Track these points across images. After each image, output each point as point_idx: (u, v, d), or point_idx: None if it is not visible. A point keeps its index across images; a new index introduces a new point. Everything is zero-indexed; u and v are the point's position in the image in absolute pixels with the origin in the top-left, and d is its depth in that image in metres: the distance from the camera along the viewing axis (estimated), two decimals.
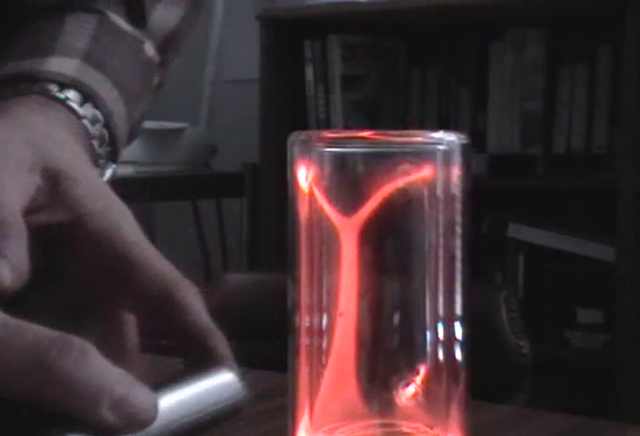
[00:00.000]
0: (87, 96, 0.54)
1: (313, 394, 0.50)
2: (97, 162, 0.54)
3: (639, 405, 1.89)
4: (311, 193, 0.50)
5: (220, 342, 0.43)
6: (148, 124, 2.26)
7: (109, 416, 0.35)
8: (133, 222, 0.46)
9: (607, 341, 2.02)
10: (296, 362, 0.50)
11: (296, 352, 0.50)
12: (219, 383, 0.40)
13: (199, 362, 0.41)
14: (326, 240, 0.50)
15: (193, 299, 0.43)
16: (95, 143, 0.54)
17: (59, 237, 0.45)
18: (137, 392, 0.36)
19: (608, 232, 1.99)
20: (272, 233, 2.22)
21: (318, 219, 0.50)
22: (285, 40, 2.32)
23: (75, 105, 0.53)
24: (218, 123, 2.67)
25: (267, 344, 0.68)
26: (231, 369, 0.41)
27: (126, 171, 2.15)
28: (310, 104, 2.34)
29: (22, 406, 0.36)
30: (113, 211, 0.46)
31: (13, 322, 0.36)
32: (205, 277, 2.29)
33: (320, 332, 0.50)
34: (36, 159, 0.45)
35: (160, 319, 0.43)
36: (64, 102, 0.53)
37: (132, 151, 2.20)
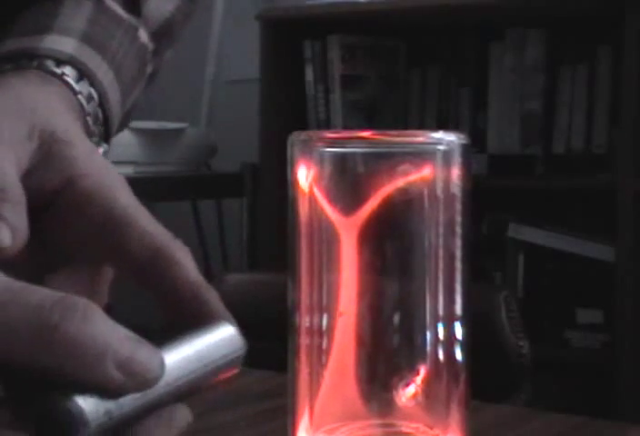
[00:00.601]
0: (83, 74, 0.55)
1: (313, 394, 0.50)
2: (91, 139, 0.55)
3: (639, 405, 1.89)
4: (311, 193, 0.50)
5: (213, 295, 0.43)
6: (148, 124, 2.27)
7: (116, 375, 0.35)
8: (125, 185, 0.47)
9: (607, 341, 2.02)
10: (296, 362, 0.50)
11: (296, 352, 0.50)
12: (221, 337, 0.40)
13: (194, 316, 0.41)
14: (326, 240, 0.50)
15: (183, 256, 0.44)
16: (90, 119, 0.55)
17: (48, 204, 0.46)
18: (143, 351, 0.36)
19: (608, 232, 1.99)
20: (272, 233, 2.22)
21: (318, 219, 0.50)
22: (285, 40, 2.32)
23: (71, 81, 0.54)
24: (218, 123, 2.67)
25: (267, 344, 0.68)
26: (230, 322, 0.41)
27: (126, 171, 2.15)
28: (310, 104, 2.34)
29: (27, 372, 0.35)
30: (106, 173, 0.47)
31: (16, 284, 0.36)
32: (205, 277, 2.29)
33: (320, 332, 0.50)
34: (32, 126, 0.46)
35: (150, 275, 0.43)
36: (60, 77, 0.53)
37: (132, 151, 2.21)
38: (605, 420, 0.71)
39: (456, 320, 0.51)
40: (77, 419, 0.34)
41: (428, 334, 0.50)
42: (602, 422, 0.70)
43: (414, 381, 0.50)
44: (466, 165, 0.51)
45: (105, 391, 0.35)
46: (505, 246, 2.18)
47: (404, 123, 2.35)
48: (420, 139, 0.51)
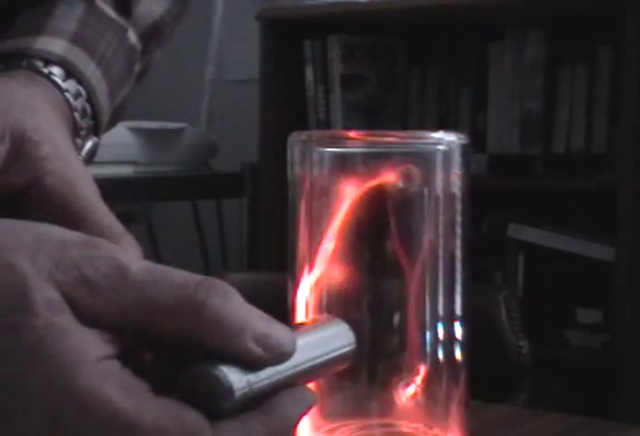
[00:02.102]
0: (71, 73, 0.58)
1: None
2: (79, 133, 0.58)
3: (639, 405, 1.89)
4: (311, 194, 0.50)
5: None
6: (148, 124, 2.27)
7: (255, 348, 0.38)
8: (88, 181, 0.50)
9: (607, 341, 2.02)
10: None
11: None
12: (336, 331, 0.43)
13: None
14: (326, 240, 0.50)
15: (132, 249, 0.47)
16: (77, 115, 0.58)
17: (19, 203, 0.48)
18: (276, 328, 0.39)
19: (608, 232, 1.99)
20: (272, 233, 2.22)
21: (318, 219, 0.50)
22: (284, 40, 2.32)
23: (58, 79, 0.57)
24: (218, 123, 2.67)
25: None
26: (343, 321, 0.44)
27: (126, 171, 2.15)
28: (310, 104, 2.34)
29: (174, 345, 0.38)
30: (69, 170, 0.49)
31: (158, 266, 0.38)
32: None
33: None
34: (3, 127, 0.48)
35: None
36: (47, 75, 0.57)
37: (132, 151, 2.21)
38: (604, 420, 0.71)
39: (456, 320, 0.51)
40: (225, 386, 0.37)
41: (428, 334, 0.50)
42: (602, 422, 0.70)
43: (414, 381, 0.50)
44: (466, 165, 0.51)
45: (245, 363, 0.38)
46: (504, 246, 2.18)
47: (404, 123, 2.35)
48: (420, 139, 0.51)
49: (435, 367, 0.50)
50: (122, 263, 0.38)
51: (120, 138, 2.15)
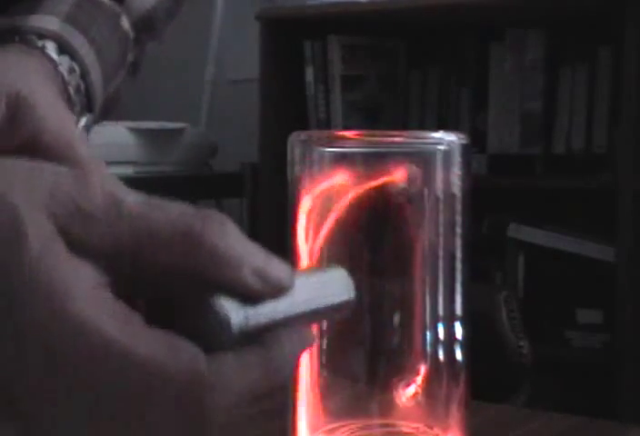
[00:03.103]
0: (65, 49, 0.58)
1: (313, 394, 0.50)
2: (72, 108, 0.57)
3: (639, 405, 1.89)
4: (311, 194, 0.50)
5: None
6: (148, 124, 2.27)
7: (253, 280, 0.37)
8: (85, 143, 0.49)
9: (607, 341, 2.02)
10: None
11: None
12: (336, 277, 0.42)
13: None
14: (326, 240, 0.50)
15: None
16: (71, 89, 0.57)
17: None
18: (275, 262, 0.38)
19: (608, 232, 1.99)
20: (272, 233, 2.22)
21: (318, 219, 0.50)
22: (285, 40, 2.32)
23: (51, 53, 0.56)
24: (218, 123, 2.67)
25: None
26: (343, 268, 0.43)
27: (126, 171, 2.15)
28: (310, 104, 2.34)
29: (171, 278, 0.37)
30: (66, 130, 0.48)
31: (153, 200, 0.38)
32: None
33: (320, 332, 0.50)
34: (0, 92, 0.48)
35: None
36: (42, 49, 0.56)
37: (132, 151, 2.21)
38: (605, 420, 0.71)
39: (456, 320, 0.51)
40: (222, 319, 0.36)
41: (428, 334, 0.50)
42: (602, 422, 0.70)
43: (414, 381, 0.50)
44: (466, 165, 0.51)
45: (243, 297, 0.37)
46: (505, 246, 2.18)
47: (404, 123, 2.35)
48: (420, 139, 0.51)
49: (435, 367, 0.50)
50: (116, 195, 0.37)
51: (120, 138, 2.16)
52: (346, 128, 2.26)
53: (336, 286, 0.42)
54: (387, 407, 0.50)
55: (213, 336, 0.36)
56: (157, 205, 0.37)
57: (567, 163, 2.14)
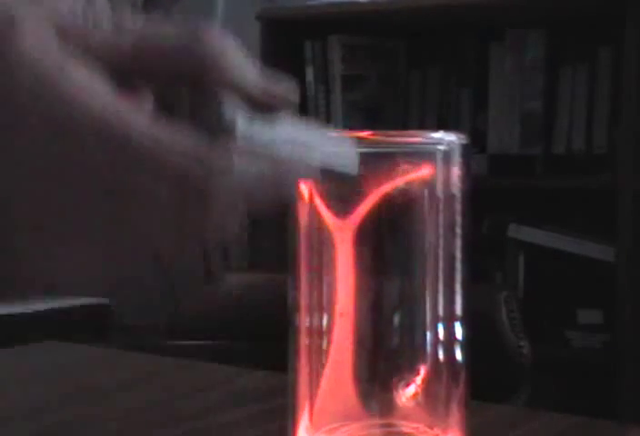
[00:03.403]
0: None
1: (313, 394, 0.50)
2: None
3: (639, 405, 1.89)
4: (310, 194, 0.50)
5: None
6: None
7: (256, 86, 0.38)
8: None
9: (607, 341, 2.02)
10: (296, 362, 0.50)
11: (296, 352, 0.50)
12: (347, 150, 0.42)
13: None
14: (326, 240, 0.50)
15: None
16: None
17: None
18: (280, 77, 0.39)
19: (608, 232, 1.99)
20: (272, 233, 2.22)
21: (318, 219, 0.50)
22: (285, 40, 2.32)
23: None
24: None
25: (267, 344, 0.68)
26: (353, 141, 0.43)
27: None
28: (310, 104, 2.34)
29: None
30: None
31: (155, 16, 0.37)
32: (205, 277, 2.29)
33: (320, 332, 0.50)
34: None
35: None
36: None
37: None
38: (604, 420, 0.71)
39: (456, 320, 0.51)
40: (227, 119, 0.36)
41: (428, 334, 0.50)
42: (602, 422, 0.70)
43: (414, 381, 0.50)
44: (466, 165, 0.51)
45: (245, 107, 0.37)
46: (505, 246, 2.18)
47: (404, 123, 2.35)
48: (420, 139, 0.51)
49: (435, 367, 0.50)
50: (120, 12, 0.36)
51: None
52: (346, 128, 2.25)
53: (344, 158, 0.42)
54: (387, 407, 0.50)
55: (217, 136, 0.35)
56: (159, 19, 0.37)
57: (567, 164, 2.14)
